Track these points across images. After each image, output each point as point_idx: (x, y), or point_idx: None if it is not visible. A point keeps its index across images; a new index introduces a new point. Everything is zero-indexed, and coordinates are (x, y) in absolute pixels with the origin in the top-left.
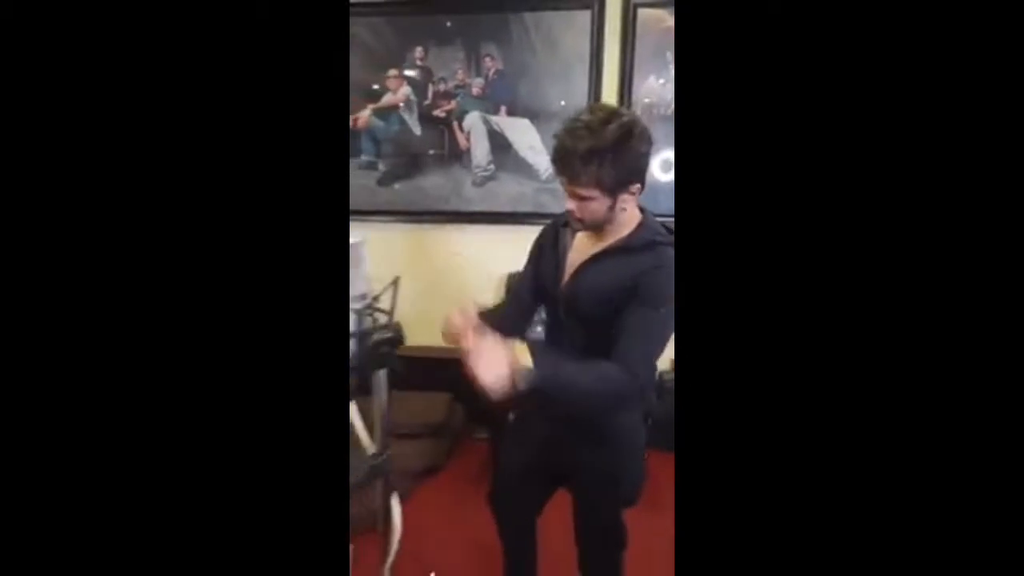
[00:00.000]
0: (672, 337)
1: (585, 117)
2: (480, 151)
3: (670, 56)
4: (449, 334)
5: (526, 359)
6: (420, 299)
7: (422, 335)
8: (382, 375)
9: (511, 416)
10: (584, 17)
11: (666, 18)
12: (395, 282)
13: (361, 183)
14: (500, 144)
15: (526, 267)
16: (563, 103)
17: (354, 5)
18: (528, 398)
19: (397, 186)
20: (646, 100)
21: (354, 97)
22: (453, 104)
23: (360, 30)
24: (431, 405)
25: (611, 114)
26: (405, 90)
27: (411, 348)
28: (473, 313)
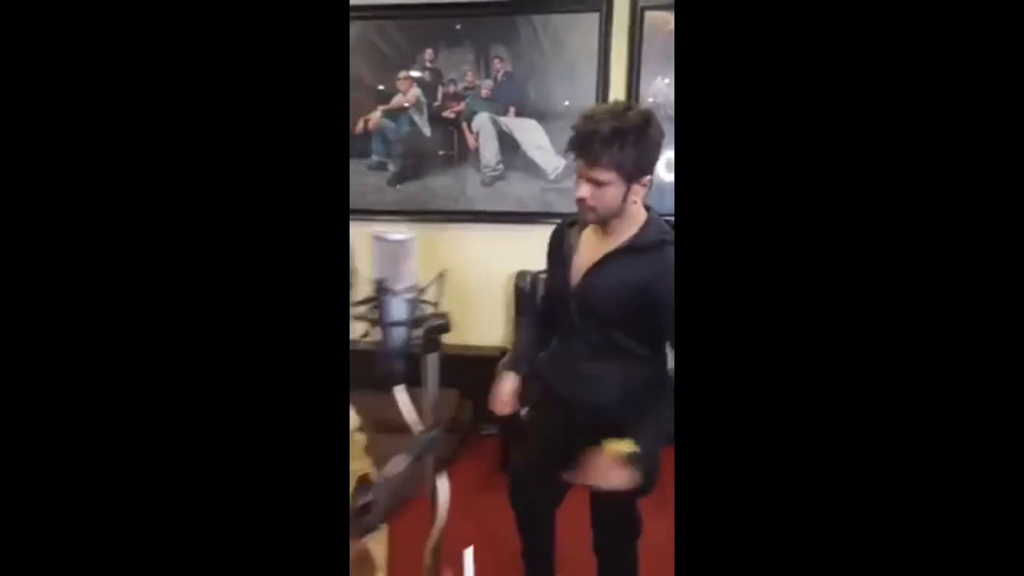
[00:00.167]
0: None
1: (603, 107)
2: (489, 151)
3: None
4: (498, 404)
5: (626, 447)
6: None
7: None
8: (433, 358)
9: (524, 412)
10: (592, 19)
11: (672, 20)
12: (441, 275)
13: (371, 183)
14: (509, 144)
15: (546, 279)
16: (567, 103)
17: (365, 8)
18: (539, 393)
19: (407, 186)
20: (651, 100)
21: (365, 99)
22: (462, 105)
23: (371, 32)
24: (441, 401)
25: (629, 104)
26: (415, 91)
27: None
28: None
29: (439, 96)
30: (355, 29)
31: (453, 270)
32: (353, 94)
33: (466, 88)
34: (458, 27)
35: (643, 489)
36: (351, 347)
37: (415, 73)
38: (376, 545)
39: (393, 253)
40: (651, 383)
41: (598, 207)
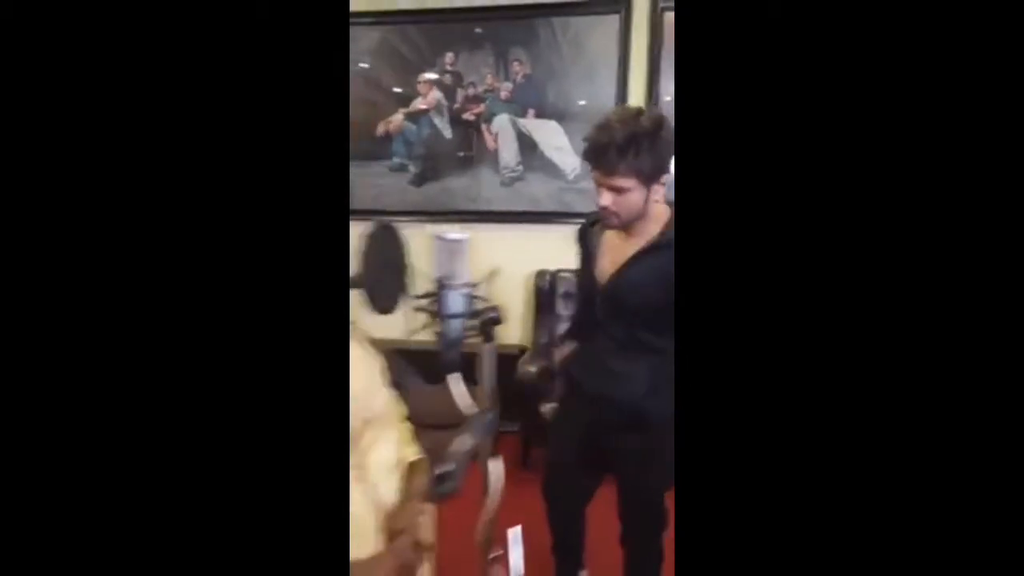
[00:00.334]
0: None
1: (614, 114)
2: (508, 152)
3: None
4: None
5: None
6: None
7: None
8: (489, 348)
9: (551, 408)
10: (612, 21)
11: None
12: (493, 273)
13: (393, 184)
14: (528, 145)
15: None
16: (584, 103)
17: (386, 13)
18: (566, 389)
19: (427, 187)
20: (668, 99)
21: (387, 102)
22: (482, 107)
23: (392, 37)
24: (443, 398)
25: (639, 109)
26: (436, 94)
27: (419, 341)
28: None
29: (459, 99)
30: (377, 34)
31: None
32: (375, 98)
33: (486, 91)
34: (478, 31)
35: (669, 483)
36: (404, 344)
37: (434, 76)
38: (424, 525)
39: (451, 251)
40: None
41: (621, 213)
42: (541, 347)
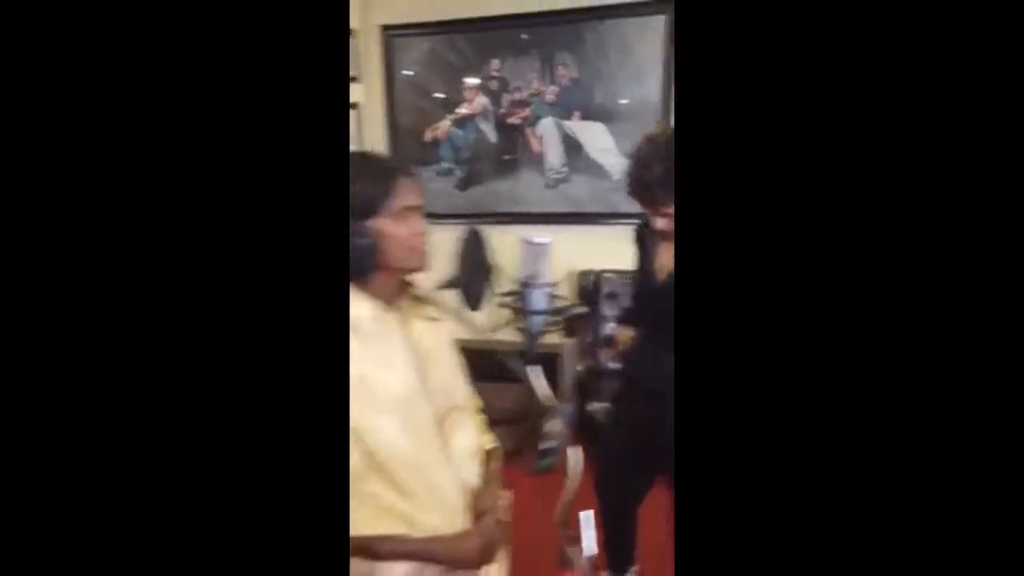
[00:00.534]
0: None
1: (648, 143)
2: (553, 154)
3: None
4: None
5: None
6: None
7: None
8: (572, 343)
9: (602, 407)
10: (659, 22)
11: None
12: (575, 274)
13: (440, 188)
14: (573, 147)
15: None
16: (626, 102)
17: (434, 24)
18: (622, 387)
19: (473, 190)
20: None
21: (434, 109)
22: (527, 111)
23: (439, 47)
24: (508, 395)
25: (670, 132)
26: (481, 100)
27: (487, 341)
28: None
29: (505, 103)
30: (426, 44)
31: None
32: (423, 105)
33: (531, 95)
34: (524, 37)
35: None
36: (483, 345)
37: (478, 81)
38: (503, 509)
39: (536, 253)
40: None
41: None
42: (587, 347)
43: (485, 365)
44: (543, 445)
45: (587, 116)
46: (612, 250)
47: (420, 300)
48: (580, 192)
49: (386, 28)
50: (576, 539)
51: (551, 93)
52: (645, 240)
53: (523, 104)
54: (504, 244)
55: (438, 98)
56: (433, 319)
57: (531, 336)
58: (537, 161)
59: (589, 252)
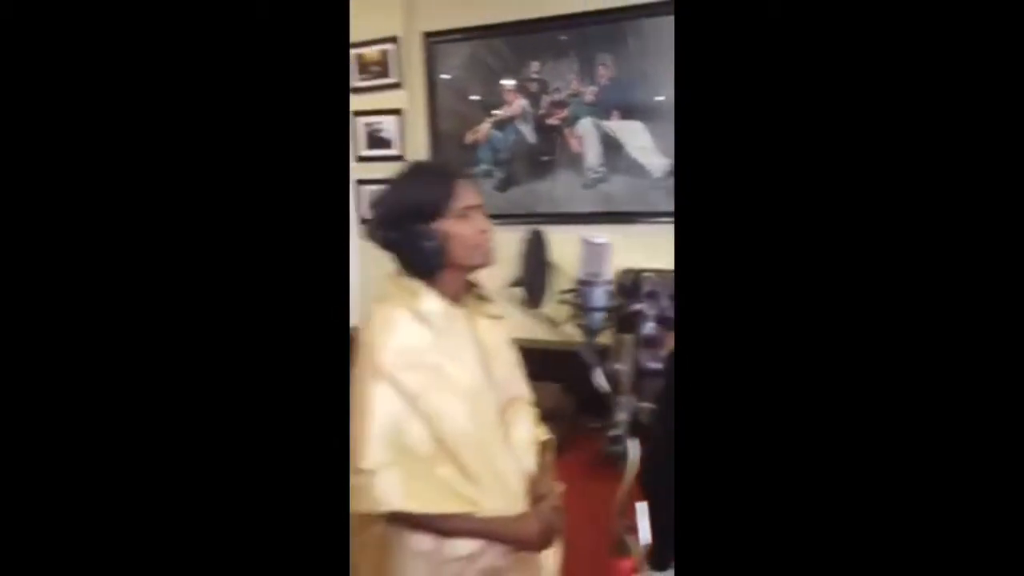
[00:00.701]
0: None
1: None
2: (592, 154)
3: None
4: None
5: None
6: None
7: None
8: (629, 338)
9: (649, 407)
10: None
11: None
12: (629, 272)
13: (480, 189)
14: (612, 146)
15: None
16: (662, 98)
17: (474, 29)
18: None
19: (513, 191)
20: None
21: (474, 112)
22: (566, 112)
23: (480, 51)
24: (543, 394)
25: None
26: (520, 102)
27: (523, 340)
28: None
29: (544, 104)
30: (466, 49)
31: (557, 268)
32: (463, 109)
33: (570, 95)
34: (563, 38)
35: None
36: (546, 344)
37: (515, 82)
38: (558, 496)
39: (596, 253)
40: None
41: None
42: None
43: (535, 364)
44: (613, 432)
45: (626, 115)
46: (651, 249)
47: (483, 299)
48: (619, 191)
49: (428, 35)
50: (633, 528)
51: (590, 93)
52: None
53: (562, 105)
54: (554, 243)
55: (478, 101)
56: (496, 317)
57: (591, 332)
58: (576, 161)
59: (629, 251)
